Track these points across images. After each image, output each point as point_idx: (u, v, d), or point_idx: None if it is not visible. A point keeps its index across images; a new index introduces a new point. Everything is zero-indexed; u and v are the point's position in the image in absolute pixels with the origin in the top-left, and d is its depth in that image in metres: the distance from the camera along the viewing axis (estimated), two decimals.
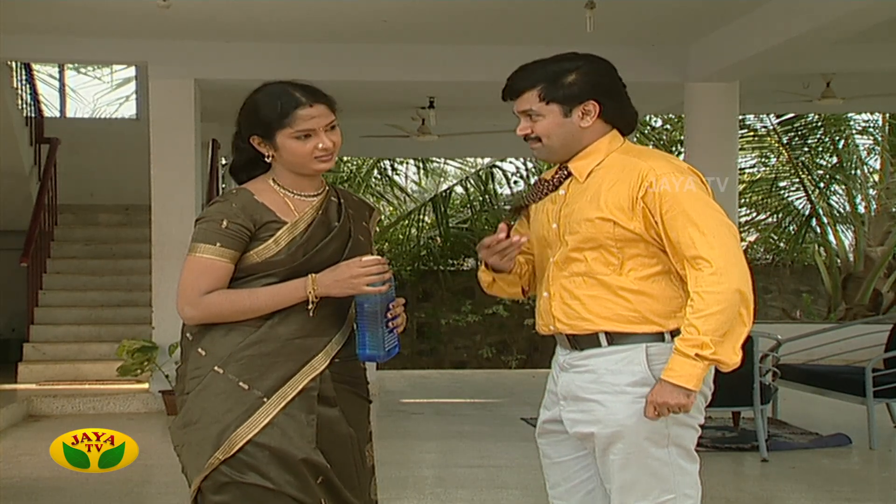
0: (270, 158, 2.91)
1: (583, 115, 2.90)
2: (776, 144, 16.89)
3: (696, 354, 2.74)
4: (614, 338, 2.87)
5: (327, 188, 3.00)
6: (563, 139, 2.92)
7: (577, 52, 2.98)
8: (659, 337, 2.85)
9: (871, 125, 16.89)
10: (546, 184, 3.01)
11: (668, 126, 17.32)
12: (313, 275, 2.84)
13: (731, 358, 2.77)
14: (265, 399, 2.80)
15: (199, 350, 2.87)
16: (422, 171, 19.91)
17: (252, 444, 2.78)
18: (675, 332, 2.85)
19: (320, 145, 2.88)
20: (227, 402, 2.80)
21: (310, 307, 2.84)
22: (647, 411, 2.80)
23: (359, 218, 3.02)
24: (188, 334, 2.91)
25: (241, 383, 2.81)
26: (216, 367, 2.82)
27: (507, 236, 2.97)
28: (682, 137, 16.20)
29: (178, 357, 3.03)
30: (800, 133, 16.54)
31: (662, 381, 2.78)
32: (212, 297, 2.83)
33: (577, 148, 2.94)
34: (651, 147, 15.31)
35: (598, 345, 2.88)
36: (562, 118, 2.90)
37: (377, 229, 3.23)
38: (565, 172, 2.97)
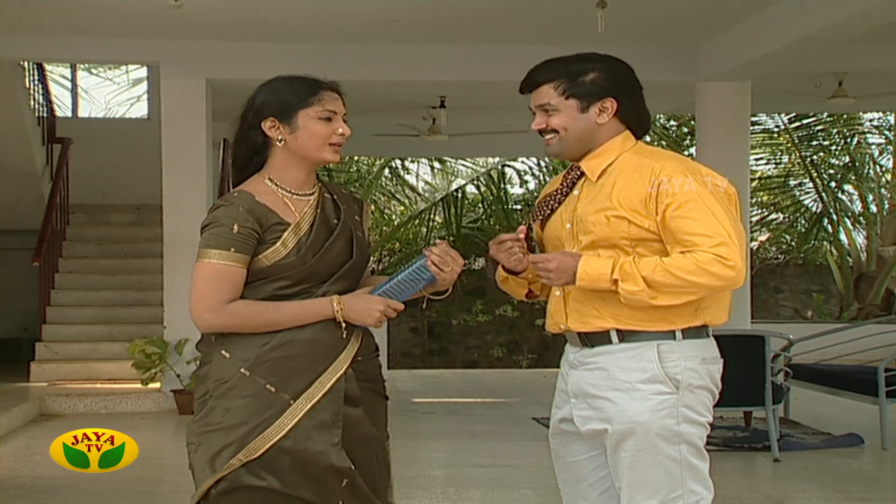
0: (281, 143, 2.88)
1: (600, 111, 2.92)
2: (787, 143, 16.85)
3: (615, 281, 2.77)
4: (625, 335, 2.87)
5: (319, 185, 2.99)
6: (579, 134, 2.93)
7: (598, 52, 3.01)
8: (670, 335, 2.85)
9: (884, 124, 16.85)
10: (554, 196, 3.02)
11: (674, 122, 17.29)
12: (337, 296, 2.85)
13: (636, 302, 2.78)
14: (292, 401, 2.79)
15: (223, 352, 2.84)
16: (434, 170, 19.90)
17: (276, 448, 2.76)
18: (686, 331, 2.86)
19: (340, 130, 2.90)
20: (254, 405, 2.78)
21: (343, 328, 2.85)
22: (532, 260, 2.87)
23: (352, 213, 3.02)
24: (212, 337, 2.88)
25: (268, 386, 2.79)
26: (243, 370, 2.80)
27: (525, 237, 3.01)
28: (688, 132, 16.22)
29: (192, 358, 3.01)
30: (811, 132, 16.51)
31: (575, 259, 2.81)
32: (237, 307, 2.81)
33: (591, 145, 2.94)
34: (659, 145, 15.31)
35: (609, 342, 2.89)
36: (578, 113, 2.92)
37: (369, 223, 3.23)
38: (578, 173, 2.98)
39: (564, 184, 3.01)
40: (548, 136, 2.97)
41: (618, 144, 2.94)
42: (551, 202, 3.02)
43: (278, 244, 2.84)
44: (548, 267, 2.84)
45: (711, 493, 2.90)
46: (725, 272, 2.74)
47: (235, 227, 2.81)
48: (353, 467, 2.82)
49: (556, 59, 2.98)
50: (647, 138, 3.09)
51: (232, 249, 2.80)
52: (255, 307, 2.82)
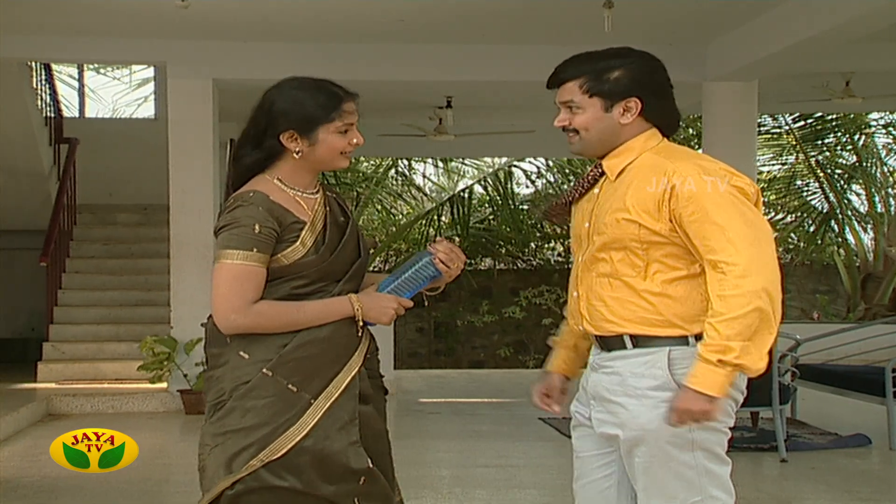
0: (299, 154, 2.88)
1: (623, 111, 2.87)
2: (794, 144, 16.84)
3: (719, 360, 2.68)
4: (638, 340, 2.84)
5: (320, 184, 3.00)
6: (601, 134, 2.89)
7: (631, 47, 2.95)
8: (683, 340, 2.81)
9: (892, 124, 16.82)
10: (584, 181, 2.99)
11: (682, 123, 17.28)
12: (353, 295, 2.88)
13: (756, 363, 2.71)
14: (313, 400, 2.80)
15: (241, 353, 2.83)
16: (440, 171, 19.90)
17: (297, 448, 2.77)
18: (699, 336, 2.80)
19: (354, 140, 2.91)
20: (277, 405, 2.78)
21: (359, 326, 2.88)
22: (670, 418, 2.75)
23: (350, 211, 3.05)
24: (226, 338, 2.86)
25: (290, 385, 2.79)
26: (264, 370, 2.80)
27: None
28: (695, 133, 16.20)
29: (203, 359, 2.98)
30: (816, 132, 16.49)
31: (685, 388, 2.72)
32: (261, 308, 2.80)
33: (615, 144, 2.90)
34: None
35: (623, 347, 2.86)
36: (602, 112, 2.87)
37: (376, 222, 3.26)
38: (599, 171, 2.95)
39: (586, 179, 2.98)
40: (570, 135, 2.94)
41: (640, 143, 2.89)
42: (571, 193, 3.01)
43: (297, 243, 2.84)
44: (679, 408, 2.74)
45: (733, 498, 2.88)
46: (747, 283, 2.68)
47: (257, 227, 2.80)
48: (371, 465, 2.84)
49: (583, 54, 2.92)
50: None
51: (254, 249, 2.79)
52: (280, 307, 2.82)
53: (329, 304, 2.85)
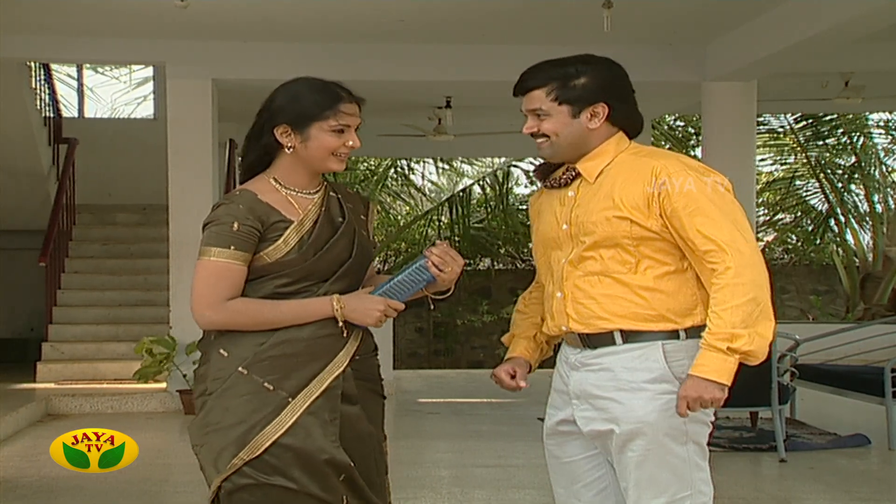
0: (290, 150, 2.89)
1: (591, 116, 2.91)
2: (794, 144, 16.85)
3: (729, 348, 2.73)
4: (629, 336, 2.87)
5: (324, 185, 3.01)
6: (571, 138, 2.93)
7: (593, 53, 3.00)
8: (674, 334, 2.85)
9: (890, 124, 16.83)
10: (556, 179, 3.01)
11: (681, 122, 17.29)
12: (338, 296, 2.87)
13: (762, 348, 2.75)
14: (290, 399, 2.81)
15: (221, 351, 2.86)
16: (440, 170, 19.90)
17: (277, 446, 2.78)
18: (689, 330, 2.86)
19: (349, 143, 2.91)
20: (253, 403, 2.80)
21: (341, 325, 2.87)
22: (678, 408, 2.78)
23: (357, 212, 3.03)
24: (211, 335, 2.90)
25: (265, 384, 2.81)
26: (240, 368, 2.82)
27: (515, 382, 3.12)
28: (695, 132, 16.21)
29: (198, 358, 3.01)
30: (818, 132, 16.49)
31: (694, 377, 2.76)
32: (236, 305, 2.82)
33: (584, 149, 2.94)
34: (666, 145, 15.26)
35: (613, 343, 2.88)
36: (570, 119, 2.91)
37: (375, 223, 3.24)
38: (573, 173, 2.97)
39: (561, 178, 3.00)
40: (539, 140, 2.97)
41: (613, 146, 2.94)
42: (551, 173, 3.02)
43: (279, 241, 2.85)
44: (690, 396, 2.76)
45: (712, 490, 2.93)
46: (744, 274, 2.75)
47: (235, 224, 2.83)
48: (351, 464, 2.84)
49: (547, 62, 2.97)
50: (652, 138, 3.10)
51: (232, 247, 2.82)
52: (255, 305, 2.84)
53: (307, 305, 2.86)
